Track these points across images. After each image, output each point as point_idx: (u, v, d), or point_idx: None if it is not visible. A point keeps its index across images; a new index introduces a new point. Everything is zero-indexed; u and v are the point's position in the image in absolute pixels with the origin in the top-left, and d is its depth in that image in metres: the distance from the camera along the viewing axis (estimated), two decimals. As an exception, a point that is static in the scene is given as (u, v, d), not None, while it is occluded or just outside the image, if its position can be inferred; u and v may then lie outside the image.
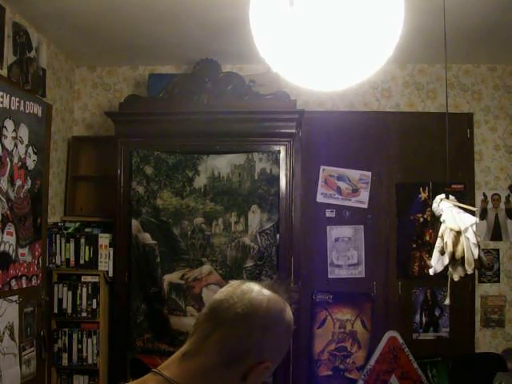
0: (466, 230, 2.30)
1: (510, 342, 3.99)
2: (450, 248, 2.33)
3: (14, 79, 3.20)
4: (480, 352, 3.96)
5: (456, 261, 2.33)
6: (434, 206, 2.48)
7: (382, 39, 1.41)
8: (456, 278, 2.36)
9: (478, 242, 2.31)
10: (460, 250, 2.31)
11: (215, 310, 0.98)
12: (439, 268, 2.43)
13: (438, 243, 2.42)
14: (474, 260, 2.29)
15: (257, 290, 1.01)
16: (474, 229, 2.31)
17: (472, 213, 2.40)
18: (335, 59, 1.42)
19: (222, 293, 1.01)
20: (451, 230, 2.34)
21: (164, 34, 3.63)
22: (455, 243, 2.33)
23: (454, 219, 2.35)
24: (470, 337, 3.98)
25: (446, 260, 2.35)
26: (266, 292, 1.01)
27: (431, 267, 2.46)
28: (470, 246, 2.29)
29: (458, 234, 2.33)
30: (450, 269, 2.37)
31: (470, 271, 2.30)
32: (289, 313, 1.03)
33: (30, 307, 3.36)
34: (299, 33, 1.38)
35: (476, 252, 2.29)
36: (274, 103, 3.70)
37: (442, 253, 2.38)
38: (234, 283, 1.04)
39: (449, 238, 2.34)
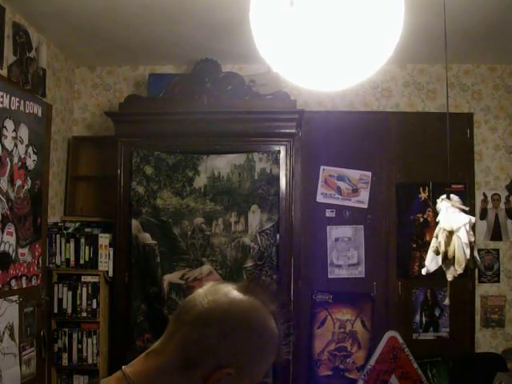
0: (459, 229, 2.31)
1: (510, 342, 3.99)
2: (442, 248, 2.34)
3: (14, 79, 3.20)
4: (480, 352, 3.96)
5: (448, 260, 2.34)
6: (437, 205, 2.49)
7: (382, 39, 1.41)
8: (449, 277, 2.37)
9: (470, 242, 2.31)
10: (452, 250, 2.32)
11: (181, 309, 0.96)
12: (432, 268, 2.44)
13: (433, 243, 2.43)
14: (468, 260, 2.29)
15: (224, 292, 0.95)
16: (468, 228, 2.31)
17: (472, 212, 2.41)
18: (335, 59, 1.42)
19: (193, 293, 0.98)
20: (444, 229, 2.35)
21: (164, 34, 3.63)
22: (447, 243, 2.33)
23: (448, 219, 2.36)
24: (470, 337, 3.98)
25: (440, 260, 2.36)
26: (234, 294, 0.94)
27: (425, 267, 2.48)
28: (461, 245, 2.29)
29: (451, 233, 2.33)
30: (443, 268, 2.38)
31: (459, 271, 2.30)
32: (261, 319, 0.94)
33: (29, 307, 3.36)
34: (299, 33, 1.38)
35: (468, 252, 2.29)
36: (274, 103, 3.70)
37: (437, 253, 2.39)
38: (209, 284, 1.00)
39: (442, 238, 2.35)
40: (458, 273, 2.31)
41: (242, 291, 0.95)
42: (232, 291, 0.95)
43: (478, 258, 2.42)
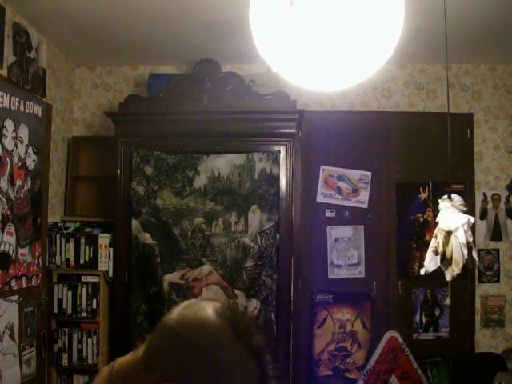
0: (456, 229, 2.31)
1: (510, 341, 3.99)
2: (440, 248, 2.34)
3: (14, 79, 3.20)
4: (480, 352, 3.96)
5: (447, 260, 2.35)
6: (439, 205, 2.50)
7: (382, 39, 1.41)
8: (448, 277, 2.37)
9: (469, 242, 2.31)
10: (450, 250, 2.32)
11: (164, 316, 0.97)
12: (431, 268, 2.45)
13: (432, 243, 2.44)
14: (466, 260, 2.29)
15: (196, 308, 0.92)
16: (466, 228, 2.31)
17: (472, 212, 2.41)
18: (335, 59, 1.42)
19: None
20: (442, 230, 2.36)
21: (164, 34, 3.63)
22: (446, 243, 2.34)
23: (447, 219, 2.36)
24: (470, 337, 3.98)
25: (439, 260, 2.37)
26: (204, 314, 0.90)
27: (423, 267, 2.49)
28: (459, 245, 2.29)
29: (449, 234, 2.33)
30: (442, 268, 2.39)
31: (456, 271, 2.31)
32: (219, 346, 0.87)
33: (29, 307, 3.36)
34: (299, 33, 1.37)
35: (466, 252, 2.29)
36: (274, 103, 3.70)
37: (436, 253, 2.39)
38: (200, 299, 1.02)
39: (440, 238, 2.35)
40: (456, 273, 2.31)
41: (217, 313, 0.90)
42: (205, 310, 0.91)
43: (477, 259, 2.42)
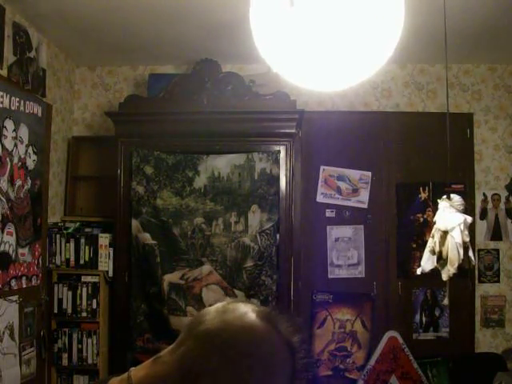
0: (453, 229, 2.31)
1: (510, 341, 3.99)
2: (437, 247, 2.34)
3: (14, 79, 3.20)
4: (480, 352, 3.96)
5: (443, 260, 2.35)
6: (439, 205, 2.50)
7: (382, 39, 1.41)
8: (444, 277, 2.38)
9: (465, 242, 2.31)
10: (446, 250, 2.32)
11: (194, 320, 0.91)
12: (428, 267, 2.46)
13: (429, 243, 2.44)
14: (462, 260, 2.29)
15: (239, 314, 0.88)
16: (462, 228, 2.31)
17: (472, 212, 2.41)
18: (335, 59, 1.42)
19: (212, 306, 0.93)
20: (439, 229, 2.36)
21: (164, 34, 3.64)
22: (442, 243, 2.34)
23: (444, 219, 2.36)
24: (469, 337, 3.98)
25: (436, 260, 2.38)
26: (250, 319, 0.87)
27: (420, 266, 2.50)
28: (455, 245, 2.29)
29: (445, 233, 2.34)
30: (439, 268, 2.39)
31: (452, 271, 2.31)
32: (271, 352, 0.86)
33: (30, 307, 3.36)
34: (299, 33, 1.37)
35: (462, 252, 2.29)
36: (274, 103, 3.70)
37: (433, 253, 2.40)
38: (231, 300, 0.97)
39: (437, 238, 2.36)
40: (452, 273, 2.32)
41: (260, 317, 0.88)
42: (249, 314, 0.88)
43: (473, 258, 2.42)
